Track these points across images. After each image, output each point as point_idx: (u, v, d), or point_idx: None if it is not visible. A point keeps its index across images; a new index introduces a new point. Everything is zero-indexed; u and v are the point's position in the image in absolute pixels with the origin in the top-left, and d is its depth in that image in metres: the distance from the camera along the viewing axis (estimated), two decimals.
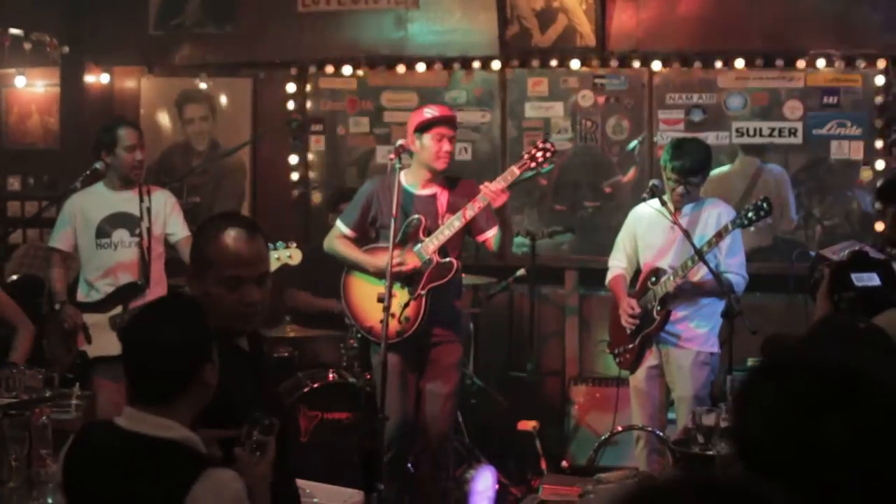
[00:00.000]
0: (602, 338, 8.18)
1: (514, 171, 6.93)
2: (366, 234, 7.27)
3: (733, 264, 7.08)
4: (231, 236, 3.95)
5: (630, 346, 7.26)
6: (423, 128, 7.00)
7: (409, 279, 6.89)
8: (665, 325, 7.11)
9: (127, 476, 3.46)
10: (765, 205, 6.70)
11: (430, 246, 6.94)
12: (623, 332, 7.32)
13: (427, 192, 7.06)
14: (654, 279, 7.14)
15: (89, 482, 3.55)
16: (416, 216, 6.94)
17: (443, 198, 7.07)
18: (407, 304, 6.89)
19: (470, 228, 7.01)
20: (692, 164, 7.05)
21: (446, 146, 6.97)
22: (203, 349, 3.56)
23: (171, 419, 3.48)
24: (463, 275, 8.30)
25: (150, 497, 3.40)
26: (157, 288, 7.60)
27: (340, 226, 7.26)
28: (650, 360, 7.25)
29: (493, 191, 6.72)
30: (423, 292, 6.94)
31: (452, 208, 7.00)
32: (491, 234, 7.04)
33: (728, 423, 4.99)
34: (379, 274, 6.95)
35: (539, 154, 6.94)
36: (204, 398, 3.58)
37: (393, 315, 6.85)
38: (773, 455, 2.17)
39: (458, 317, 7.25)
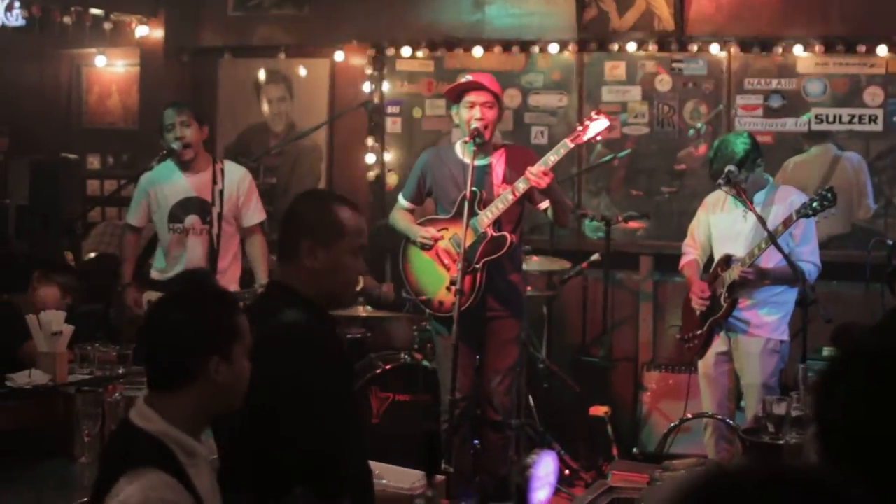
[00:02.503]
0: (675, 323, 8.12)
1: (567, 143, 6.86)
2: (422, 205, 7.30)
3: (805, 252, 7.01)
4: (353, 208, 4.26)
5: (699, 332, 7.24)
6: (455, 98, 6.98)
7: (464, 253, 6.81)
8: (732, 312, 7.07)
9: (101, 466, 3.53)
10: (829, 194, 6.61)
11: (484, 219, 6.88)
12: (693, 318, 7.30)
13: (481, 162, 6.95)
14: (724, 266, 7.11)
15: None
16: (474, 189, 6.81)
17: (498, 168, 7.00)
18: (462, 278, 6.73)
19: (530, 197, 6.96)
20: (717, 166, 7.04)
21: (477, 113, 6.86)
22: (209, 341, 3.47)
23: (164, 409, 3.41)
24: (535, 258, 8.34)
25: (98, 486, 3.41)
26: (231, 269, 7.65)
27: (401, 200, 7.30)
28: (718, 346, 7.22)
29: (535, 174, 6.67)
30: (477, 266, 6.88)
31: (509, 179, 6.93)
32: (547, 205, 6.99)
33: (811, 407, 4.94)
34: (420, 243, 7.03)
35: (592, 125, 6.89)
36: (213, 395, 3.47)
37: (448, 288, 6.84)
38: (856, 439, 2.15)
39: (517, 292, 7.17)
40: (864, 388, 2.18)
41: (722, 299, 7.08)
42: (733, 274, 6.99)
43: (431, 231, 7.03)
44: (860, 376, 2.21)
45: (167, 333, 3.48)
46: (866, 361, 2.24)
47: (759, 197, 7.06)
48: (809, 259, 7.00)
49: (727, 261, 7.10)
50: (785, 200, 7.04)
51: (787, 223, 6.73)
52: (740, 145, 7.01)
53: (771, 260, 6.91)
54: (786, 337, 7.10)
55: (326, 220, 4.16)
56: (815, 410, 2.29)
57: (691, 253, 7.49)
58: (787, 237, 6.85)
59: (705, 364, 7.29)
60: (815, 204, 6.63)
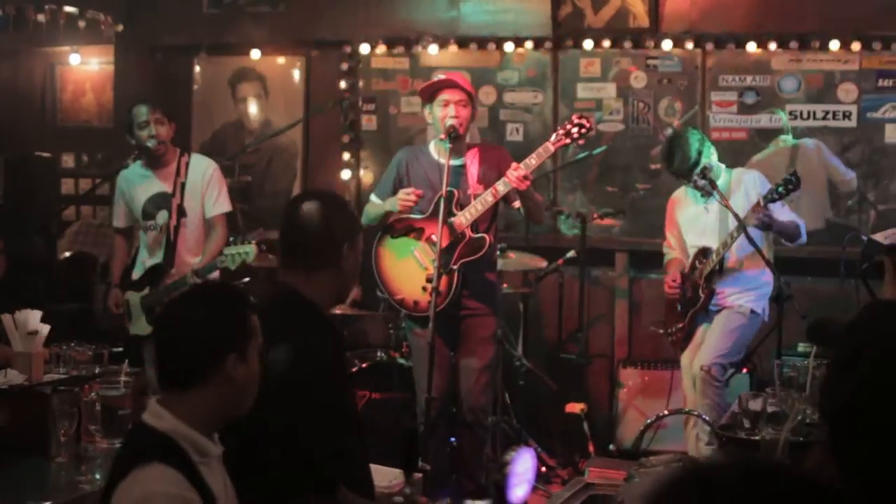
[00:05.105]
0: (657, 318, 8.10)
1: (549, 147, 6.87)
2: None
3: (786, 215, 7.13)
4: None
5: (680, 325, 7.30)
6: (428, 97, 6.99)
7: (441, 253, 6.76)
8: (710, 302, 7.18)
9: (112, 466, 3.48)
10: (793, 178, 6.80)
11: (462, 220, 6.88)
12: (674, 313, 7.40)
13: (455, 162, 6.95)
14: (702, 258, 7.19)
15: None
16: (449, 189, 6.79)
17: (473, 168, 7.02)
18: (439, 278, 6.69)
19: (505, 197, 6.93)
20: (676, 166, 7.24)
21: (451, 111, 6.88)
22: (227, 339, 3.46)
23: (178, 408, 3.40)
24: (511, 255, 8.34)
25: (108, 486, 3.39)
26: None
27: (373, 198, 7.25)
28: (700, 337, 7.28)
29: (516, 177, 6.68)
30: (454, 267, 6.88)
31: (484, 179, 6.96)
32: (520, 204, 7.02)
33: (821, 387, 4.93)
34: (401, 206, 6.97)
35: (574, 129, 6.90)
36: (229, 394, 3.46)
37: (424, 288, 6.83)
38: (866, 423, 2.16)
39: (492, 290, 7.18)
40: (871, 377, 2.20)
41: (700, 290, 7.15)
42: (711, 263, 7.12)
43: (407, 189, 6.98)
44: (865, 364, 2.22)
45: (185, 331, 3.46)
46: (871, 349, 2.26)
47: (719, 185, 7.17)
48: (798, 220, 7.17)
49: (705, 253, 7.21)
50: (741, 184, 7.21)
51: (756, 209, 6.83)
52: (695, 137, 7.20)
53: (745, 245, 7.02)
54: (758, 309, 7.19)
55: (352, 220, 4.35)
56: (822, 396, 2.31)
57: (670, 252, 7.60)
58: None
59: (687, 356, 7.34)
60: (780, 188, 6.82)
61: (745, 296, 7.22)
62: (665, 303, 7.61)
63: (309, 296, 4.18)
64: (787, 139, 8.70)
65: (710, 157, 7.17)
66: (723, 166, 7.38)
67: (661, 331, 7.66)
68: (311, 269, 4.21)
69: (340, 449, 3.99)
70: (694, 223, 7.33)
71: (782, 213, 7.13)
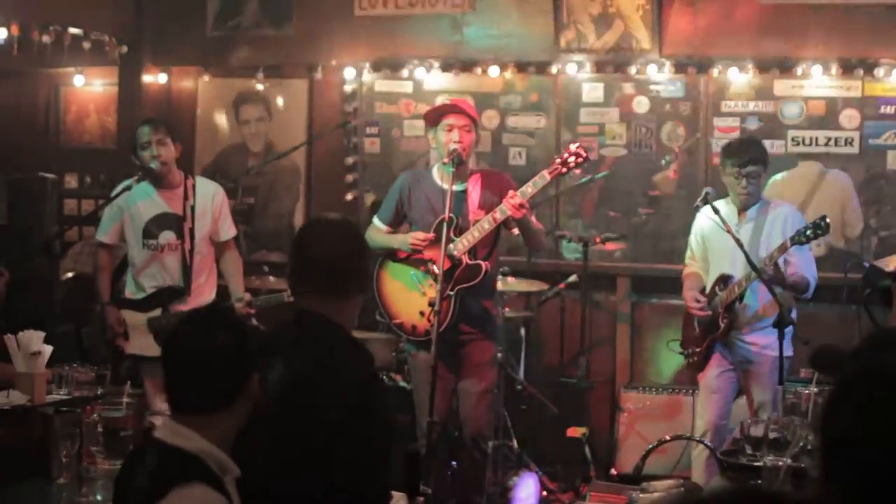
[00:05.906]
0: (673, 338, 7.98)
1: (545, 175, 6.84)
2: (398, 228, 7.23)
3: (803, 266, 7.05)
4: None
5: (698, 349, 7.24)
6: (432, 121, 6.99)
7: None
8: (730, 332, 7.09)
9: (133, 485, 3.50)
10: (822, 223, 6.65)
11: (459, 246, 6.86)
12: (692, 334, 7.31)
13: (458, 188, 6.92)
14: (722, 286, 7.13)
15: (118, 493, 3.60)
16: (450, 215, 6.79)
17: (474, 194, 7.00)
18: (440, 301, 6.63)
19: (504, 223, 6.90)
20: (749, 154, 7.10)
21: (455, 136, 6.87)
22: (251, 359, 3.56)
23: (205, 430, 3.46)
24: (511, 278, 8.33)
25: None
26: (207, 288, 7.61)
27: (376, 222, 7.24)
28: (719, 359, 7.21)
29: (512, 205, 6.67)
30: (451, 292, 6.85)
31: (485, 205, 6.94)
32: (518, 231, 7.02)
33: (817, 420, 4.89)
34: (412, 248, 6.99)
35: (571, 159, 6.88)
36: (247, 411, 3.55)
37: (422, 313, 6.83)
38: (864, 453, 2.16)
39: (490, 316, 7.14)
40: (868, 405, 2.21)
41: (720, 319, 7.09)
42: (730, 295, 7.03)
43: (420, 234, 7.00)
44: (865, 393, 2.23)
45: (217, 356, 3.51)
46: (872, 379, 2.27)
47: (751, 212, 7.12)
48: (811, 272, 7.06)
49: (725, 280, 7.12)
50: (780, 214, 7.09)
51: (782, 249, 6.75)
52: (759, 143, 7.31)
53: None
54: (789, 352, 7.07)
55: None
56: (820, 425, 2.31)
57: (692, 265, 7.49)
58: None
59: (707, 376, 7.27)
60: (808, 232, 6.67)
61: (773, 336, 7.10)
62: (683, 321, 7.50)
63: (341, 323, 4.15)
64: (819, 165, 8.68)
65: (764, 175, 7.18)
66: (763, 194, 7.35)
67: (679, 351, 7.57)
68: (343, 296, 4.17)
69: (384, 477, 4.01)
70: (720, 246, 7.20)
71: (802, 257, 7.06)
